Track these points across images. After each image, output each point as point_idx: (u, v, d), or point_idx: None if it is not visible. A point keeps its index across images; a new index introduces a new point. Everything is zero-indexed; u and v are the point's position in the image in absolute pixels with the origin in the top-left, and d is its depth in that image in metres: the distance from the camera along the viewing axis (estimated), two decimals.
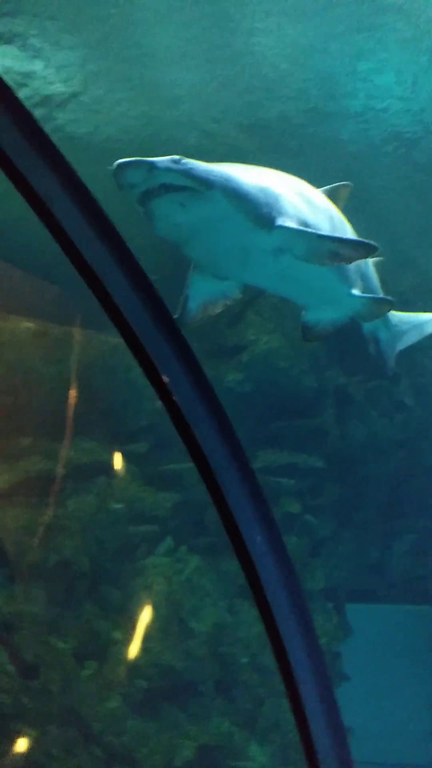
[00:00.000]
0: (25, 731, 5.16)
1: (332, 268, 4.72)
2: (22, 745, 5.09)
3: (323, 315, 5.20)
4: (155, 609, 6.82)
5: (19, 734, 5.12)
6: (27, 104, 1.29)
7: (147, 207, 3.96)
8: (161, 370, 1.43)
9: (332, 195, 5.12)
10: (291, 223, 4.31)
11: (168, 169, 3.86)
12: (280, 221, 4.27)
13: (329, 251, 4.41)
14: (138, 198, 3.93)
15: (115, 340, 7.65)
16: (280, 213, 4.31)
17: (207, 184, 3.99)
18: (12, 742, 5.06)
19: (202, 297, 4.72)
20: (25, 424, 7.76)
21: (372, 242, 4.59)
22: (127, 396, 7.92)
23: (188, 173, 3.93)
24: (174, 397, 1.43)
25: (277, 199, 4.35)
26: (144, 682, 6.27)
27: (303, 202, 4.57)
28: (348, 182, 5.29)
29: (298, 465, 7.68)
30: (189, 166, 3.95)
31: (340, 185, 5.23)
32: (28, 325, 8.25)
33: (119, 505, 7.52)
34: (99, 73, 6.48)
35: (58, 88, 6.64)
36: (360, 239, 4.87)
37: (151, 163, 3.82)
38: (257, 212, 4.21)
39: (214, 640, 6.88)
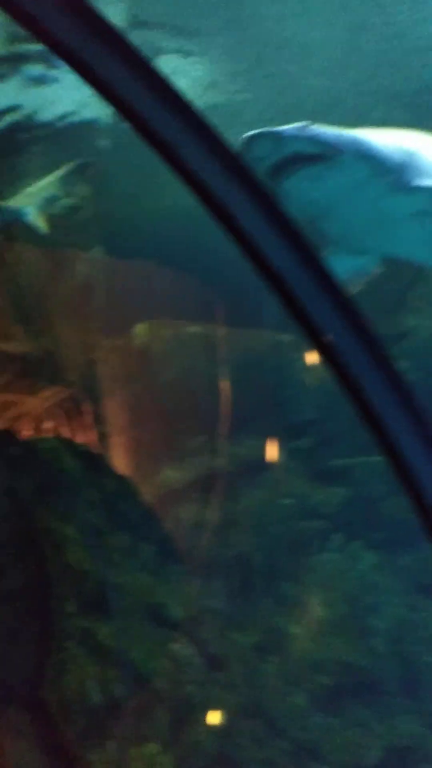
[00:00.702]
0: (215, 723, 5.30)
1: None
2: (212, 734, 5.23)
3: None
4: (332, 605, 6.75)
5: (208, 724, 5.27)
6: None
7: (279, 184, 3.73)
8: (323, 329, 1.36)
9: None
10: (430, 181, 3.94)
11: (296, 137, 3.67)
12: (420, 181, 3.92)
13: None
14: (269, 172, 3.71)
15: (277, 337, 7.68)
16: (420, 172, 3.96)
17: (337, 149, 3.74)
18: (202, 731, 5.22)
19: (339, 275, 4.46)
20: (195, 424, 8.01)
21: None
22: (292, 392, 7.91)
23: (317, 139, 3.72)
24: (339, 358, 1.36)
25: (415, 158, 4.00)
26: (326, 678, 6.22)
27: None
28: None
29: None
30: (317, 131, 3.75)
31: None
32: (193, 329, 8.52)
33: (289, 501, 7.54)
34: (261, 83, 6.53)
35: (222, 101, 6.78)
36: None
37: (279, 132, 3.66)
38: (394, 174, 3.91)
39: (395, 637, 6.67)
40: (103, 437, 7.26)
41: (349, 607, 6.74)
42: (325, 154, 3.72)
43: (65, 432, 6.75)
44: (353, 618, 6.70)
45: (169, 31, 6.47)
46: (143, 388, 8.27)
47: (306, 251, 1.38)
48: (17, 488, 5.36)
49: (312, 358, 7.43)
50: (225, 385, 8.02)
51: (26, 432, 6.50)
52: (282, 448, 7.78)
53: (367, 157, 3.85)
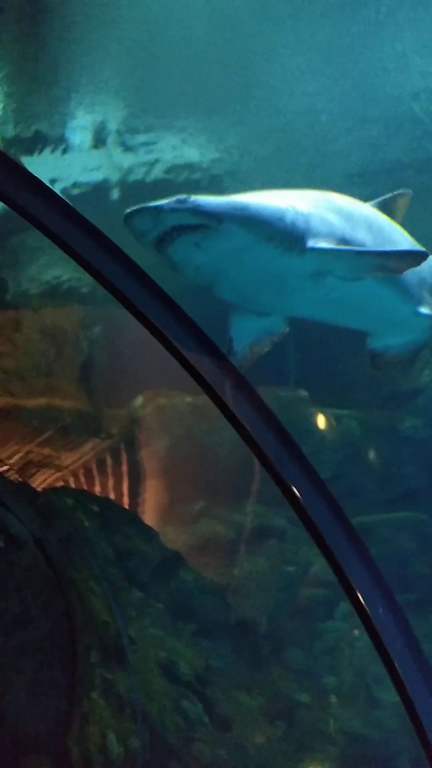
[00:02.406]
0: None
1: (389, 285, 4.23)
2: None
3: (392, 340, 4.64)
4: (339, 674, 6.60)
5: None
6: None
7: (165, 254, 3.75)
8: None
9: (387, 207, 4.67)
10: (324, 243, 3.90)
11: (174, 210, 3.66)
12: (312, 243, 3.87)
13: (374, 266, 3.96)
14: (154, 245, 3.73)
15: (291, 394, 7.87)
16: (310, 234, 3.91)
17: (218, 218, 3.71)
18: None
19: (246, 337, 4.35)
20: (195, 490, 8.06)
21: (421, 249, 4.19)
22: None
23: (196, 210, 3.69)
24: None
25: (306, 219, 3.93)
26: (335, 749, 6.01)
27: (339, 218, 4.14)
28: (405, 191, 4.79)
29: None
30: (197, 203, 3.73)
31: (397, 194, 4.73)
32: (188, 399, 8.74)
33: (291, 568, 7.50)
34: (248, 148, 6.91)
35: (211, 169, 7.17)
36: (408, 249, 4.33)
37: (157, 207, 3.66)
38: (282, 237, 3.83)
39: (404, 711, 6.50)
40: (111, 498, 7.33)
41: (356, 677, 6.60)
42: (205, 224, 3.70)
43: (82, 488, 6.82)
44: (361, 688, 6.54)
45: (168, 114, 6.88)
46: (144, 454, 8.36)
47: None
48: (44, 539, 5.34)
49: (324, 416, 7.59)
50: (222, 453, 8.14)
51: (49, 485, 6.55)
52: (285, 515, 7.82)
53: (250, 224, 3.78)
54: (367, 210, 4.50)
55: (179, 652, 5.74)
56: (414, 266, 4.10)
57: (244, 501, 7.88)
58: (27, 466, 6.66)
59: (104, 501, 7.07)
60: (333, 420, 7.43)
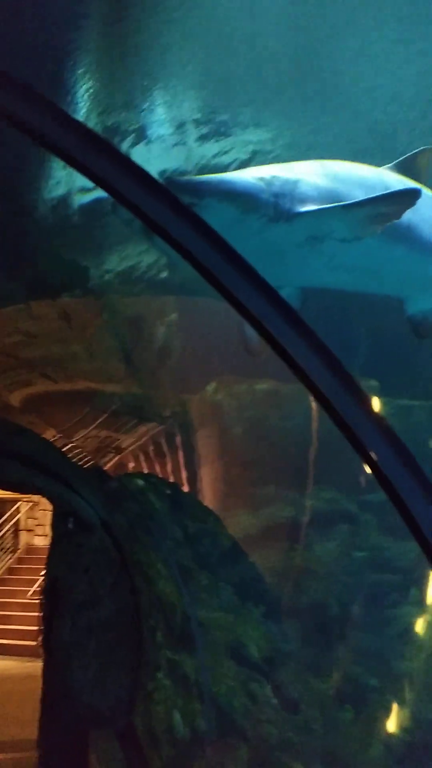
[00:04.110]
0: (292, 765, 5.21)
1: (403, 243, 4.08)
2: None
3: (430, 303, 4.44)
4: (411, 660, 6.59)
5: (285, 767, 5.18)
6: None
7: (154, 237, 3.83)
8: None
9: (409, 167, 4.49)
10: (311, 206, 3.85)
11: None
12: (299, 208, 3.85)
13: (367, 217, 3.81)
14: (143, 228, 3.82)
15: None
16: (297, 199, 3.90)
17: (198, 194, 3.75)
18: None
19: None
20: (267, 474, 8.16)
21: (413, 187, 3.97)
22: None
23: (178, 189, 3.76)
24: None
25: (291, 187, 3.94)
26: (406, 735, 6.02)
27: (334, 182, 4.06)
28: (426, 147, 4.61)
29: None
30: (179, 182, 3.85)
31: (417, 152, 4.56)
32: (262, 385, 8.81)
33: (362, 553, 7.51)
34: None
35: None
36: (396, 190, 4.09)
37: None
38: (266, 206, 3.83)
39: None
40: (184, 481, 7.52)
41: (428, 663, 6.57)
42: (190, 202, 3.69)
43: (154, 471, 7.04)
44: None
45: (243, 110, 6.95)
46: (216, 438, 8.52)
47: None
48: (112, 522, 5.57)
49: (393, 407, 7.52)
50: (296, 439, 8.17)
51: (119, 469, 6.80)
52: (356, 500, 7.81)
53: (231, 197, 3.80)
54: (373, 172, 4.39)
55: (248, 635, 5.88)
56: (410, 206, 3.92)
57: (315, 486, 7.92)
58: (100, 449, 6.93)
59: (175, 484, 7.28)
60: (403, 411, 7.35)
